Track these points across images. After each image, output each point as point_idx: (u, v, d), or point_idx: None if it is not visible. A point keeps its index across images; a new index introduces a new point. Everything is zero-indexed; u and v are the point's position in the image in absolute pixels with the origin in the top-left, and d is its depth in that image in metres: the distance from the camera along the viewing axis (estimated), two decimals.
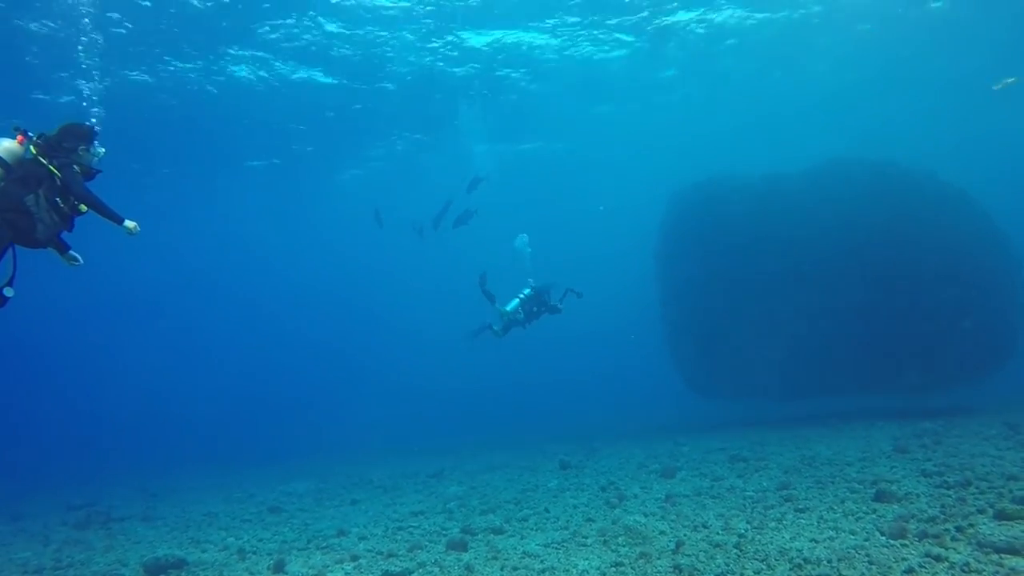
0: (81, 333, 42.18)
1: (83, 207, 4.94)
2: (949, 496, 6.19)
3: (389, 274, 43.49)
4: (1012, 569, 4.30)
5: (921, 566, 4.56)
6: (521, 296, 10.91)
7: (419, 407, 29.48)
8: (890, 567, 4.61)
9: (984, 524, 5.21)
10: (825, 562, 4.87)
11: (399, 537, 7.22)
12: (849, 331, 13.36)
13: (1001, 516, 5.31)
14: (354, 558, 6.49)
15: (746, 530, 5.93)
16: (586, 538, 6.30)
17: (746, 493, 7.43)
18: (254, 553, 7.25)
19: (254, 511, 9.94)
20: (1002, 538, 4.74)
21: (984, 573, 4.31)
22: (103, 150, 5.25)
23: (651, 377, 28.08)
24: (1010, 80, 12.57)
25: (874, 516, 5.90)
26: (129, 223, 5.09)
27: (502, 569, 5.64)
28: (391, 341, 47.23)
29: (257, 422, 31.65)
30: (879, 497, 6.41)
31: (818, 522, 5.94)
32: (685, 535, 5.98)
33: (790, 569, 4.83)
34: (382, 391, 36.65)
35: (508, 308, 10.75)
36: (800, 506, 6.54)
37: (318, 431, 27.07)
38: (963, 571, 4.39)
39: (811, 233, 13.63)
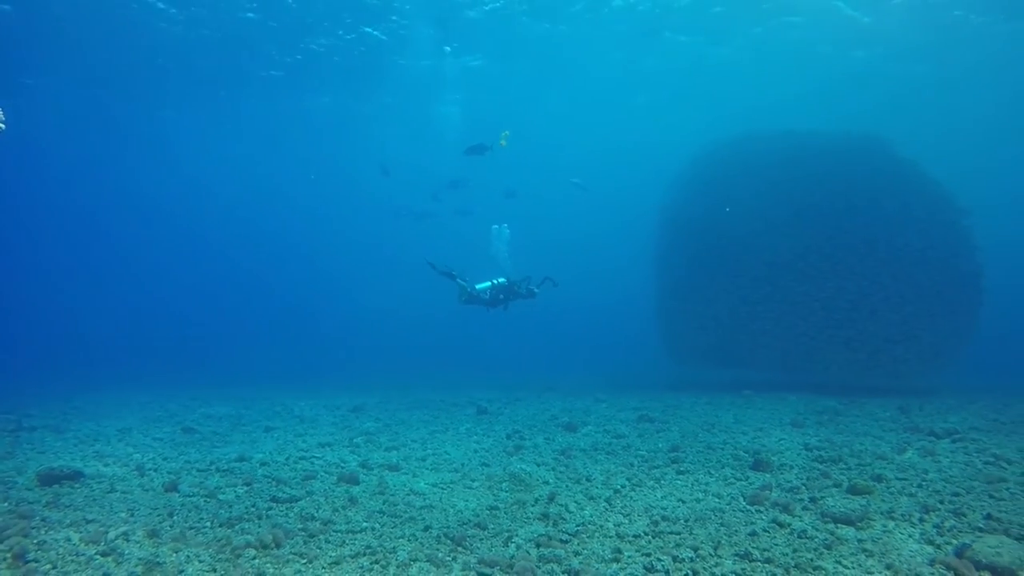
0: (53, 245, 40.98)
1: None
2: (817, 469, 6.57)
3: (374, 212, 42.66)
4: (839, 537, 4.63)
5: (765, 531, 4.87)
6: (494, 281, 11.01)
7: (389, 345, 29.66)
8: (737, 530, 4.91)
9: (834, 497, 5.56)
10: (682, 520, 5.17)
11: (299, 466, 7.36)
12: (824, 313, 13.49)
13: (852, 490, 5.67)
14: (248, 483, 6.61)
15: (623, 486, 6.22)
16: (473, 481, 6.54)
17: (639, 452, 7.75)
18: (154, 470, 7.32)
19: (168, 430, 9.98)
20: (842, 510, 5.09)
21: (816, 539, 4.63)
22: None
23: (613, 339, 28.71)
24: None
25: (744, 483, 6.24)
26: None
27: (385, 504, 5.83)
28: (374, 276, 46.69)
29: (212, 346, 31.55)
30: (756, 466, 6.77)
31: (692, 484, 6.26)
32: (565, 486, 6.25)
33: (648, 524, 5.11)
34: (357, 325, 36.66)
35: (478, 287, 10.85)
36: (682, 468, 6.87)
37: (273, 360, 27.10)
38: (799, 537, 4.71)
39: (812, 215, 13.60)
